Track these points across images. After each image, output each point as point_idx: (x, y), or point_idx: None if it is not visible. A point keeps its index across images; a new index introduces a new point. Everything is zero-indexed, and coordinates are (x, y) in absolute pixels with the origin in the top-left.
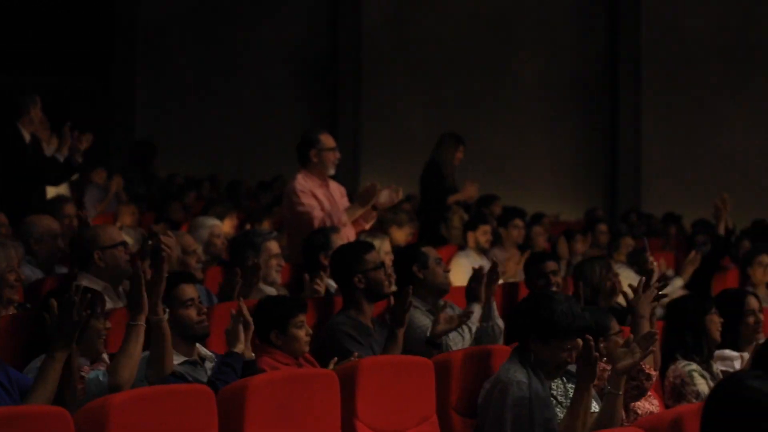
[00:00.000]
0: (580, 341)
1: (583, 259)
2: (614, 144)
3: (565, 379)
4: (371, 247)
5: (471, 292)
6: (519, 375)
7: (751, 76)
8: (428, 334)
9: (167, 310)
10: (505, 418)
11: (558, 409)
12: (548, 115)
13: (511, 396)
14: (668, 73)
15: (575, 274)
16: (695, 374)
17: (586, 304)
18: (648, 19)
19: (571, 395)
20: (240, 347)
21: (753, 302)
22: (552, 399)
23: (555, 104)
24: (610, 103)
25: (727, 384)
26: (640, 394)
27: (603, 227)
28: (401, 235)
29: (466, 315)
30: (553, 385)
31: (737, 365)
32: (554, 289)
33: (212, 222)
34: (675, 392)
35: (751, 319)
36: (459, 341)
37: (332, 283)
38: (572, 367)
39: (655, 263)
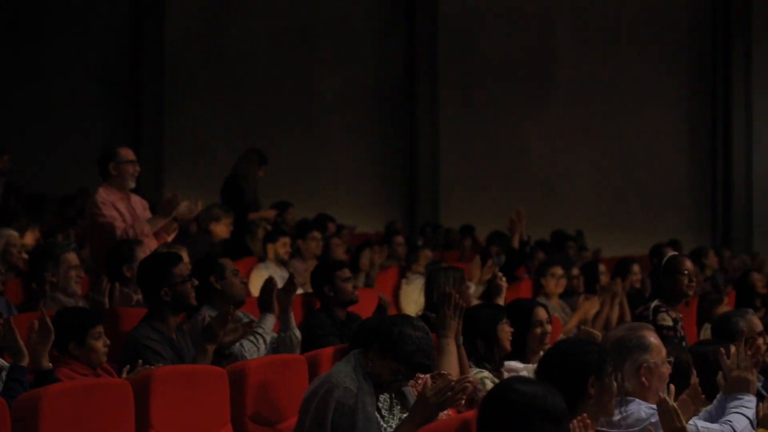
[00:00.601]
0: (428, 378)
1: (436, 268)
2: (413, 158)
3: (393, 394)
4: (179, 259)
5: (263, 302)
6: (348, 381)
7: (547, 93)
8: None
9: None
10: (326, 419)
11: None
12: (349, 129)
13: (334, 399)
14: (466, 90)
15: (427, 282)
16: (487, 381)
17: (476, 306)
18: (445, 37)
19: (395, 412)
20: (25, 360)
21: (541, 313)
22: (376, 412)
23: (355, 119)
24: (409, 118)
25: (497, 389)
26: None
27: (399, 239)
28: (222, 228)
29: (249, 325)
30: (381, 398)
31: (524, 375)
32: (357, 293)
33: (8, 233)
34: (467, 399)
35: (538, 330)
36: (254, 352)
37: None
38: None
39: (504, 279)
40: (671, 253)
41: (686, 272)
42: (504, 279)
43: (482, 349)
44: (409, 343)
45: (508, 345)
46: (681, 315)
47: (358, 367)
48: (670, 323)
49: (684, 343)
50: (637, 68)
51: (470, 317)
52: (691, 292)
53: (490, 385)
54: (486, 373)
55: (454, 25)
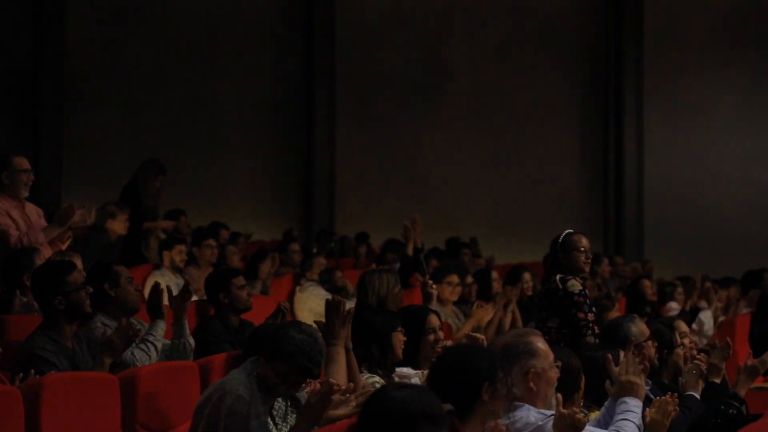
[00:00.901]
0: (317, 385)
1: (371, 269)
2: (310, 167)
3: (289, 402)
4: (73, 267)
5: (152, 308)
6: (241, 389)
7: (442, 104)
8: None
9: None
10: (219, 426)
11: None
12: (247, 139)
13: (226, 406)
14: (362, 101)
15: (360, 284)
16: (378, 386)
17: (372, 312)
18: (342, 50)
19: (289, 420)
20: None
21: (434, 320)
22: (270, 419)
23: (254, 129)
24: (306, 128)
25: (375, 397)
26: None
27: (295, 247)
28: (119, 225)
29: (135, 333)
30: (276, 404)
31: (415, 382)
32: (251, 301)
33: None
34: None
35: (431, 336)
36: (146, 360)
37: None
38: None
39: (434, 287)
40: (567, 230)
41: (582, 249)
42: (434, 286)
43: (377, 354)
44: (291, 345)
45: (400, 353)
46: None
47: (253, 374)
48: (580, 288)
49: (593, 308)
50: (530, 80)
51: (367, 323)
52: (587, 269)
53: None
54: (377, 378)
55: (350, 39)
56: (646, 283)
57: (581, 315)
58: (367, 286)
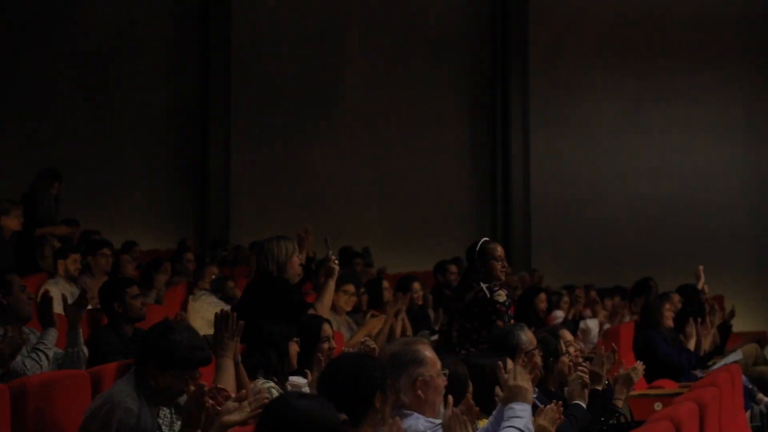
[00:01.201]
0: (191, 387)
1: (269, 237)
2: (205, 177)
3: (173, 409)
4: None
5: (43, 316)
6: (129, 401)
7: (334, 117)
8: None
9: None
10: None
11: None
12: (143, 149)
13: (116, 420)
14: (257, 112)
15: (260, 252)
16: (274, 391)
17: (271, 279)
18: (237, 62)
19: (175, 428)
20: None
21: (327, 329)
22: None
23: (150, 140)
24: (202, 139)
25: (275, 405)
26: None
27: (189, 256)
28: (13, 221)
29: (23, 340)
30: (161, 414)
31: (306, 390)
32: (144, 310)
33: None
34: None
35: (324, 345)
36: (37, 369)
37: None
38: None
39: (336, 263)
40: (483, 239)
41: (499, 257)
42: (337, 262)
43: (275, 361)
44: (180, 348)
45: (295, 362)
46: None
47: (140, 384)
48: (504, 298)
49: (512, 320)
50: (420, 93)
51: (265, 331)
52: (503, 277)
53: (276, 395)
54: (272, 384)
55: (245, 53)
56: (543, 296)
57: (500, 323)
58: (266, 254)
